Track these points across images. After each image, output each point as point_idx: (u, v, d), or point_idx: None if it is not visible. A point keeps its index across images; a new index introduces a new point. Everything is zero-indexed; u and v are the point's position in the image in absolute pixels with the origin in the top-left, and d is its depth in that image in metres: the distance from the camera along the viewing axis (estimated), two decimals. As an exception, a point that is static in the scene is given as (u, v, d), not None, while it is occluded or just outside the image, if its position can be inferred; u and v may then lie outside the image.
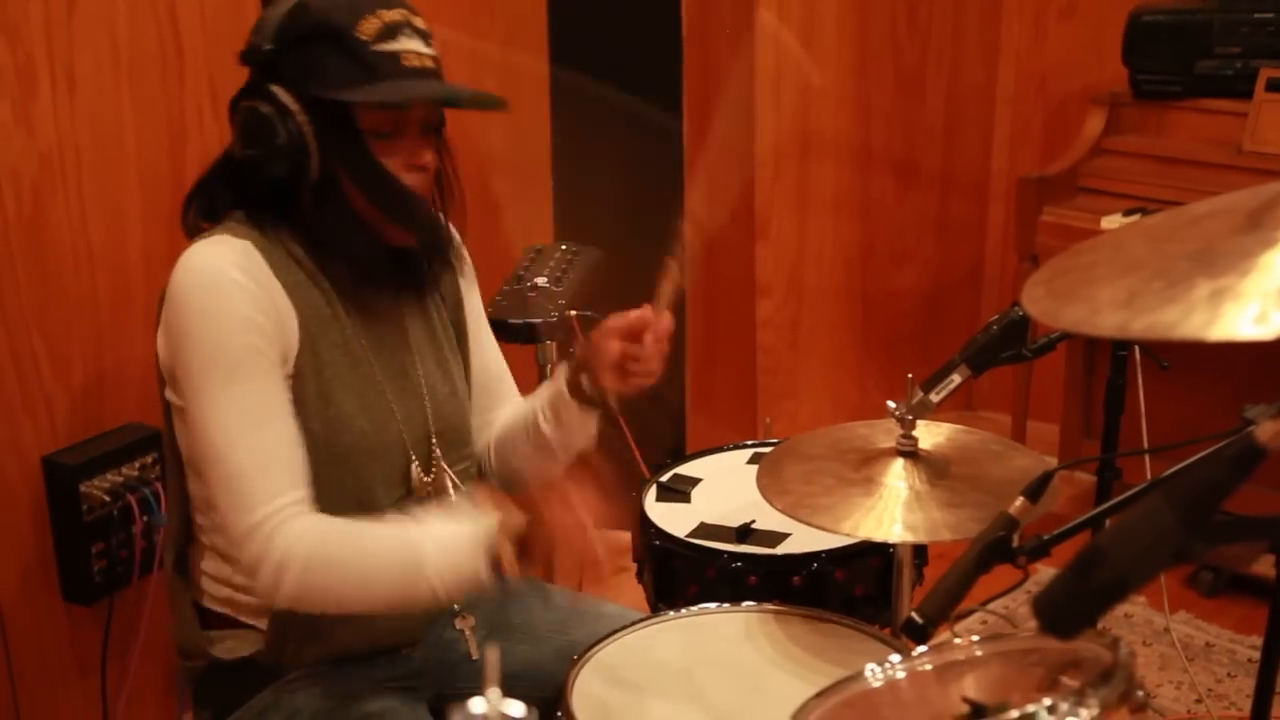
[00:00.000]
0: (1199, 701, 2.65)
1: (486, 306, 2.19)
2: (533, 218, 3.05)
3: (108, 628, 2.23)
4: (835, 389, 3.72)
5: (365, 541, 1.50)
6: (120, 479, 2.19)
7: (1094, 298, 1.05)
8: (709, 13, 3.21)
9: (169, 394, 1.58)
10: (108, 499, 2.16)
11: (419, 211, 1.59)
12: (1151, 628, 2.93)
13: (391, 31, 1.50)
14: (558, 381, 1.74)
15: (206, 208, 1.59)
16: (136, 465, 2.21)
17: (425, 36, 1.55)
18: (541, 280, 2.16)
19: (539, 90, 3.06)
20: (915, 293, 3.83)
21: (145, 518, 2.19)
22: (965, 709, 1.15)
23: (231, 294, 1.48)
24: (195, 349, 1.49)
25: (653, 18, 3.16)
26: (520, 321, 2.11)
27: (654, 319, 1.65)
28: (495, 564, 1.45)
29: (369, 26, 1.49)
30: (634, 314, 1.63)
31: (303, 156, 1.50)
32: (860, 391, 3.76)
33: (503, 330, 2.13)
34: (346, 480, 1.57)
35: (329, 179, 1.53)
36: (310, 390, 1.54)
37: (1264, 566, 2.99)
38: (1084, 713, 1.07)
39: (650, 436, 2.72)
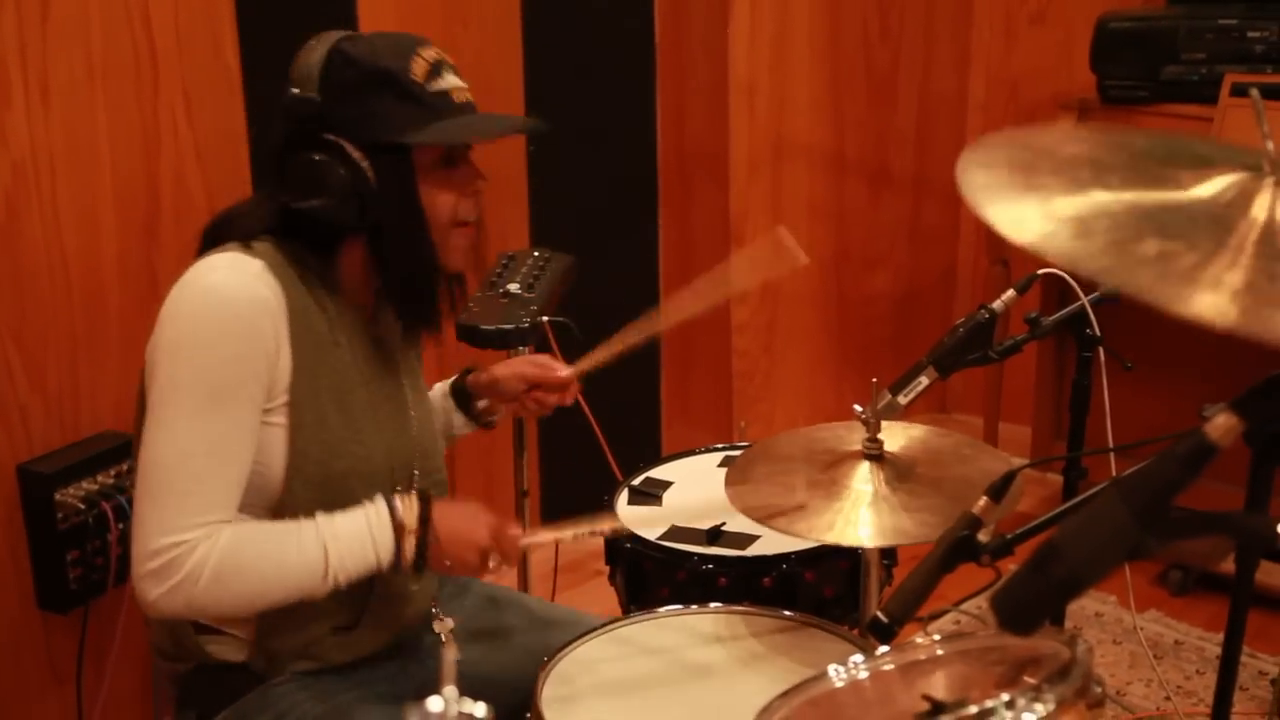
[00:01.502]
0: (1167, 699, 2.67)
1: (459, 313, 2.19)
2: (508, 225, 3.05)
3: (83, 636, 2.22)
4: (811, 393, 3.73)
5: (273, 546, 1.52)
6: (95, 487, 2.18)
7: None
8: (682, 21, 3.22)
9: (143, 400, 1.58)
10: (83, 507, 2.15)
11: (431, 266, 1.61)
12: (1121, 626, 2.95)
13: (437, 70, 1.55)
14: (448, 396, 1.91)
15: (230, 236, 1.58)
16: (111, 473, 2.20)
17: (456, 70, 1.59)
18: (514, 287, 2.16)
19: (513, 96, 3.07)
20: (889, 297, 3.84)
21: (120, 525, 2.18)
22: (926, 706, 1.16)
23: (232, 326, 1.49)
24: (180, 365, 1.49)
25: (626, 26, 3.16)
26: (493, 328, 2.11)
27: (565, 379, 1.81)
28: (395, 561, 1.55)
29: (418, 68, 1.53)
30: (544, 371, 1.79)
31: (364, 202, 1.53)
32: (836, 395, 3.77)
33: (475, 336, 2.13)
34: (334, 503, 1.58)
35: (378, 219, 1.55)
36: (307, 415, 1.55)
37: (1232, 564, 3.01)
38: (1040, 708, 1.08)
39: (625, 441, 2.72)
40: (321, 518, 1.53)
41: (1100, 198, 1.08)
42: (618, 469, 2.40)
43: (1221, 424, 1.02)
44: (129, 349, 2.25)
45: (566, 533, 1.69)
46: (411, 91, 1.52)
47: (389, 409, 1.68)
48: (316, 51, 1.54)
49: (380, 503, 1.56)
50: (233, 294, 1.49)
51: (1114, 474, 1.41)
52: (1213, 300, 0.94)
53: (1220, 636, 2.99)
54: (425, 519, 1.55)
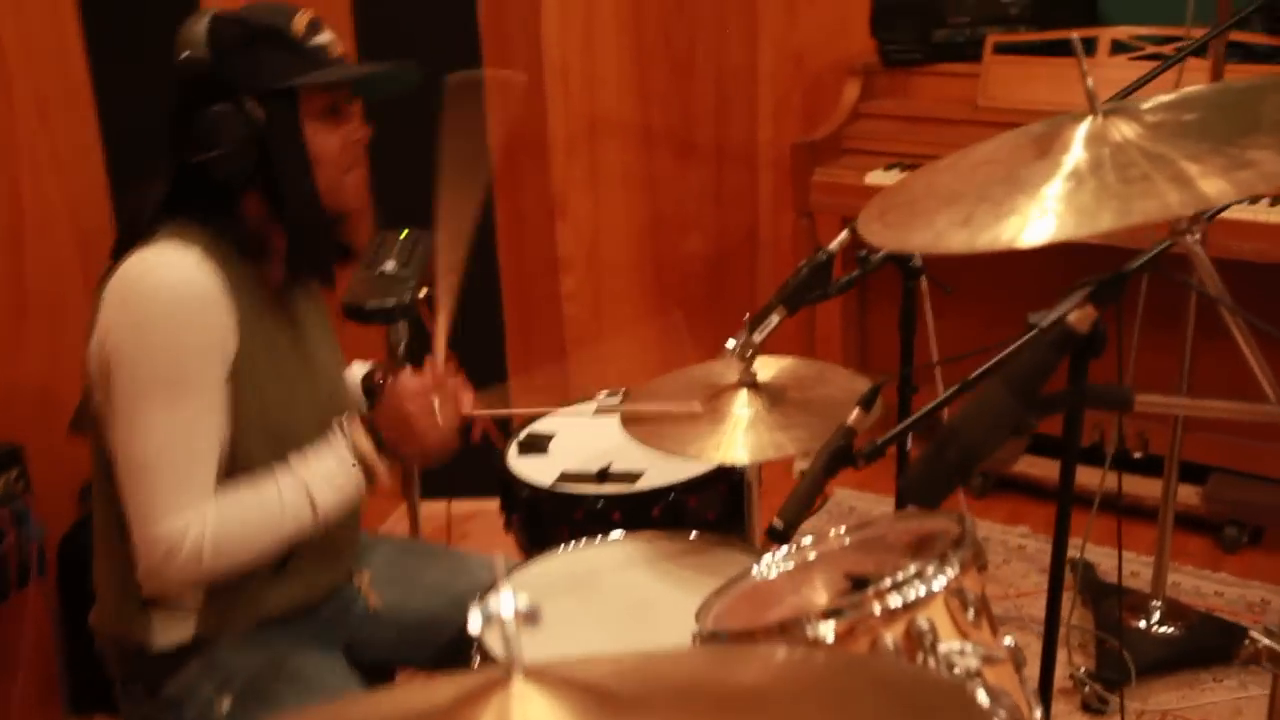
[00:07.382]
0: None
1: (341, 294, 2.20)
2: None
3: (-13, 641, 2.16)
4: (640, 351, 3.83)
5: (259, 507, 1.55)
6: (-14, 496, 2.11)
7: (933, 224, 1.18)
8: (503, 6, 3.25)
9: (100, 397, 1.55)
10: (-24, 516, 2.08)
11: (320, 209, 1.63)
12: (940, 528, 3.16)
13: (315, 27, 1.61)
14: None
15: (144, 225, 1.56)
16: (1, 481, 2.14)
17: (330, 30, 1.64)
18: (389, 265, 2.18)
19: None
20: (701, 257, 3.97)
21: (17, 530, 2.12)
22: (847, 584, 1.27)
23: (191, 316, 1.49)
24: (140, 365, 1.49)
25: (451, 10, 3.16)
26: (377, 305, 2.13)
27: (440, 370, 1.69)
28: (369, 473, 1.60)
29: (299, 24, 1.59)
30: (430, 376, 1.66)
31: (257, 148, 1.54)
32: (660, 352, 3.88)
33: (359, 315, 2.14)
34: (278, 457, 1.60)
35: (271, 163, 1.56)
36: (247, 385, 1.57)
37: (1022, 467, 3.27)
38: (949, 571, 1.20)
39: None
40: (295, 461, 1.57)
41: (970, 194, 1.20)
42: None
43: (1079, 314, 1.17)
44: (4, 362, 2.19)
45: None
46: (295, 44, 1.57)
47: (314, 365, 1.72)
48: (200, 21, 1.56)
49: (336, 433, 1.61)
50: (180, 288, 1.49)
51: (940, 388, 1.52)
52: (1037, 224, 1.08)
53: (1020, 529, 3.24)
54: (372, 429, 1.61)
